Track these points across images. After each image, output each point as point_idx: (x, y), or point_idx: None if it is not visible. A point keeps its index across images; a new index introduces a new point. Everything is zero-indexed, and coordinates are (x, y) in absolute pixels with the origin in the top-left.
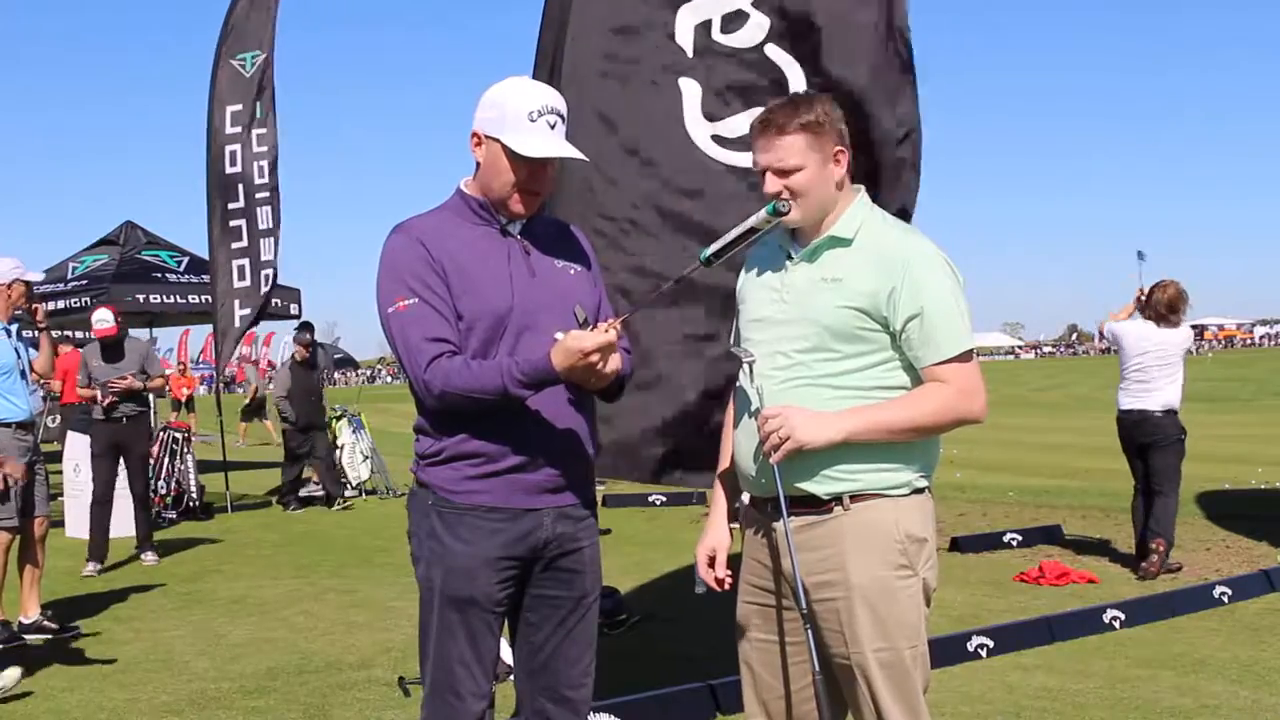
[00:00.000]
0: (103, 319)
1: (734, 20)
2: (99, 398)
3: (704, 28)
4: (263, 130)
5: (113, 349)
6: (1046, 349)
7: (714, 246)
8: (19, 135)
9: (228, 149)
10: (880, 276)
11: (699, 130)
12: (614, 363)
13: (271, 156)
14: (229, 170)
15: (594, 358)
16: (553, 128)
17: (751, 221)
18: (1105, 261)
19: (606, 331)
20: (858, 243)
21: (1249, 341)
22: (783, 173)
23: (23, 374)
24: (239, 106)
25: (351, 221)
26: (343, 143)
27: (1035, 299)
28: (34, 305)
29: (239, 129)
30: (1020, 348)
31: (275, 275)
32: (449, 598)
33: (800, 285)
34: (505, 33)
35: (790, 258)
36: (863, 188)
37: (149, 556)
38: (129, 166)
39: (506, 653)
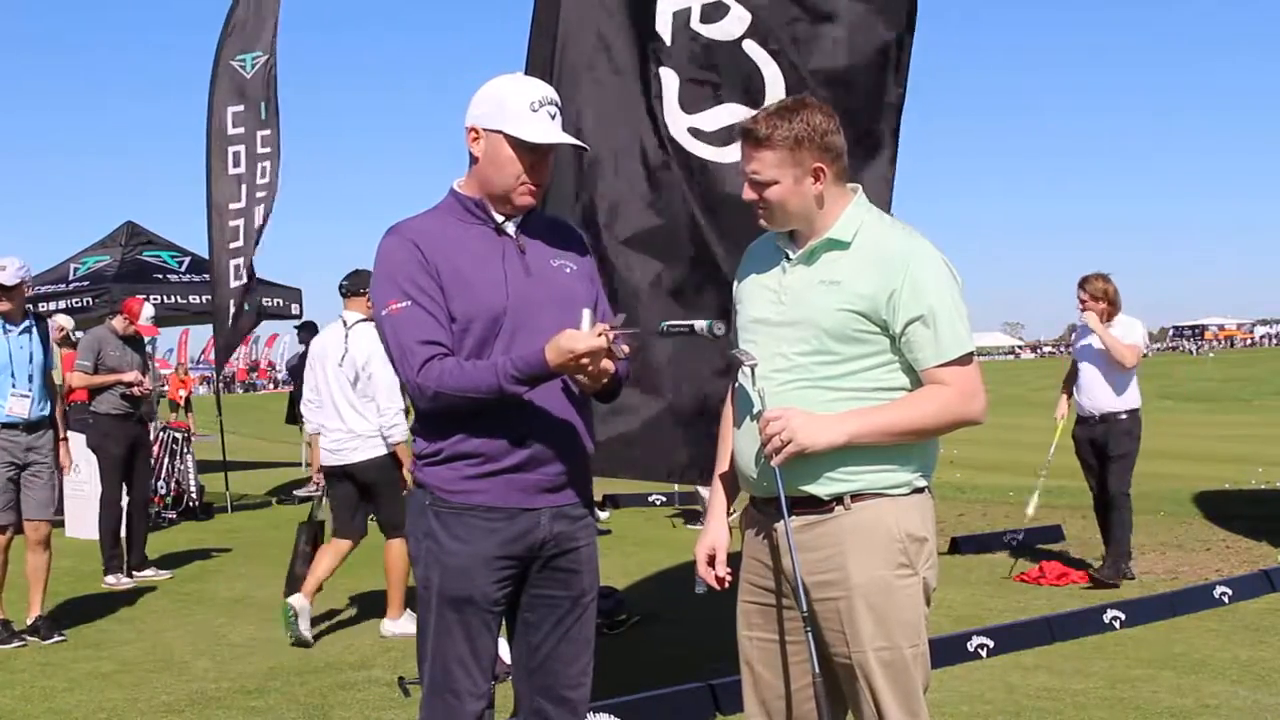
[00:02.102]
0: (152, 317)
1: (715, 11)
2: (133, 382)
3: (683, 15)
4: (266, 131)
5: (137, 344)
6: (1046, 349)
7: (668, 324)
8: (19, 135)
9: (230, 150)
10: (880, 279)
11: (676, 122)
12: (605, 366)
13: (274, 157)
14: (232, 171)
15: (584, 360)
16: (553, 118)
17: (695, 324)
18: (1105, 261)
19: (599, 336)
20: (856, 245)
21: (1249, 341)
22: (757, 184)
23: (31, 377)
24: (240, 107)
25: (352, 221)
26: (343, 143)
27: (1035, 299)
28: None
29: (241, 130)
30: (1020, 348)
31: (252, 270)
32: (447, 597)
33: (798, 287)
34: (506, 34)
35: (788, 259)
36: (859, 187)
37: (148, 572)
38: (129, 166)
39: (505, 652)
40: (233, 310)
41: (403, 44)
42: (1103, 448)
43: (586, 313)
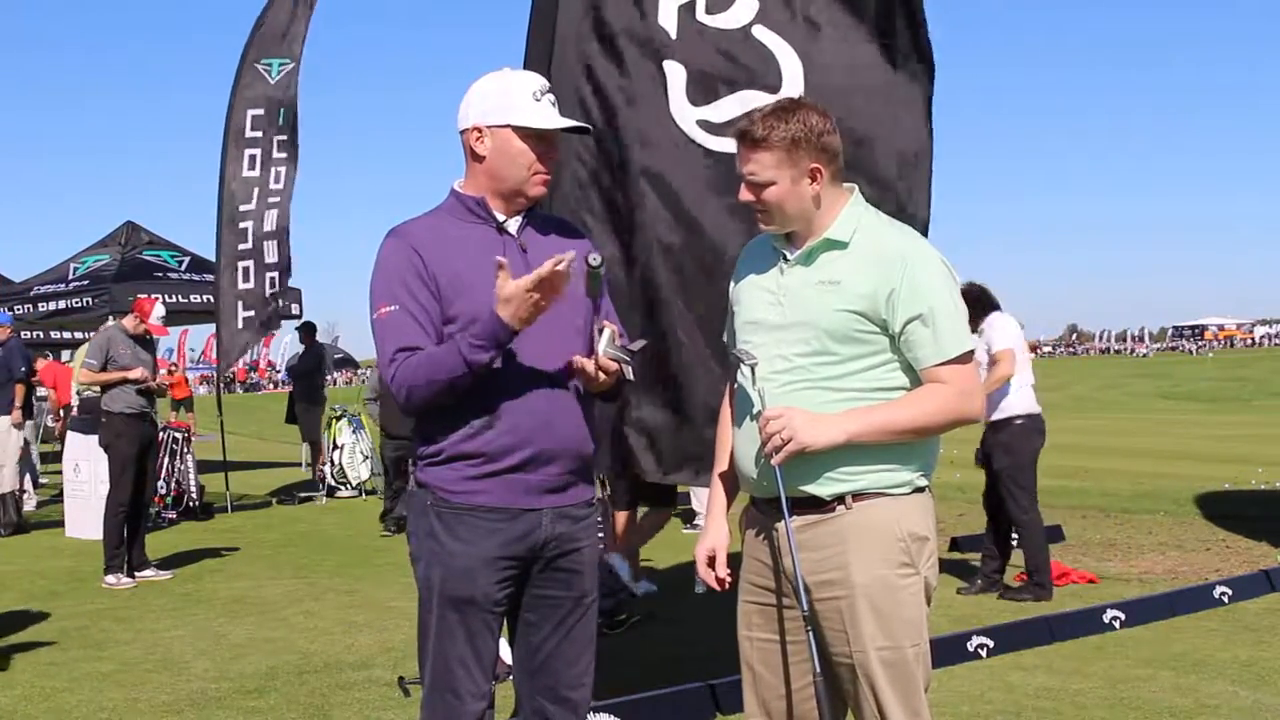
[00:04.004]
0: (163, 317)
1: (720, 0)
2: (146, 377)
3: (688, 8)
4: (284, 137)
5: (147, 343)
6: (1046, 349)
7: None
8: (19, 135)
9: (247, 152)
10: (878, 279)
11: (684, 115)
12: (606, 365)
13: (290, 164)
14: (246, 173)
15: (533, 294)
16: (553, 105)
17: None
18: (1105, 261)
19: (557, 265)
20: (854, 245)
21: (1249, 341)
22: (754, 186)
23: None
24: (260, 111)
25: (351, 221)
26: (343, 142)
27: (1035, 299)
28: None
29: (259, 133)
30: None
31: (282, 278)
32: (448, 597)
33: (797, 288)
34: (505, 33)
35: (785, 260)
36: (855, 187)
37: (148, 572)
38: (129, 166)
39: (506, 652)
40: (241, 312)
41: (402, 43)
42: (990, 462)
43: (608, 331)
